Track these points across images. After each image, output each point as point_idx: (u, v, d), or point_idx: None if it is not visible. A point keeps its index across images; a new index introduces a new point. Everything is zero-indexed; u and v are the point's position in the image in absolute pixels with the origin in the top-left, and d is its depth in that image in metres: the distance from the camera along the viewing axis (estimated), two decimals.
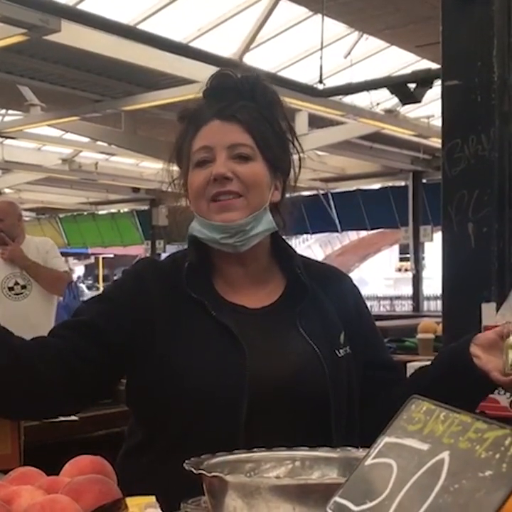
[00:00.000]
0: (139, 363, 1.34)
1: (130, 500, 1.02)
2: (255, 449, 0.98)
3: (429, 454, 0.57)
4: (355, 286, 1.53)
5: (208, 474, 0.83)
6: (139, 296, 1.36)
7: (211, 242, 1.37)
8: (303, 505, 0.77)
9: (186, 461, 0.89)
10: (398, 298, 21.60)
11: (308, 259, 1.52)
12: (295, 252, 1.47)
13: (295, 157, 1.44)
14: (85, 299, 1.72)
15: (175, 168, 1.45)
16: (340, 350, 1.38)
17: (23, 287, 4.25)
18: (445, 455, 0.56)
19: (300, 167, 1.45)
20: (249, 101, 1.39)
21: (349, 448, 0.98)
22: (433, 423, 0.59)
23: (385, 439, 0.62)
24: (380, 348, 1.50)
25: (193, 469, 0.85)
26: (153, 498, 1.06)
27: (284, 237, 1.47)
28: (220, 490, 0.82)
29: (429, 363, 1.47)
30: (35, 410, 1.35)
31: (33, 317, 4.14)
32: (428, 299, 15.09)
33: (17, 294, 4.24)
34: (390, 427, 0.63)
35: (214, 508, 0.85)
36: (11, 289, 4.23)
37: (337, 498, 0.61)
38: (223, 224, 1.34)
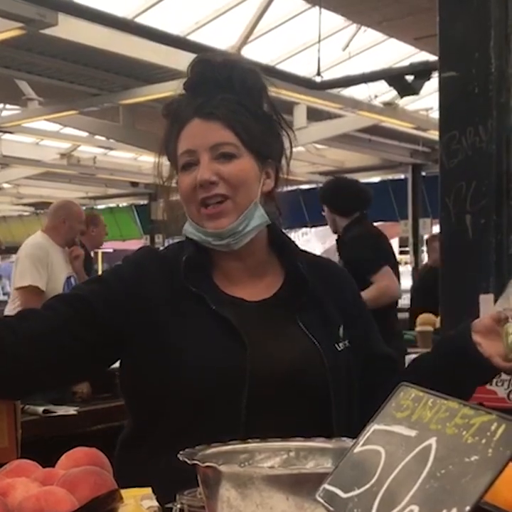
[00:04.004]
0: (135, 351, 1.34)
1: (126, 492, 1.02)
2: (250, 440, 0.98)
3: (416, 441, 0.58)
4: (351, 279, 1.53)
5: (202, 464, 0.83)
6: (137, 285, 1.35)
7: (205, 244, 1.37)
8: (296, 494, 0.77)
9: (180, 452, 0.89)
10: None
11: (306, 252, 1.53)
12: (296, 245, 1.47)
13: (286, 139, 1.43)
14: None
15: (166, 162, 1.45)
16: (340, 344, 1.39)
17: None
18: (432, 441, 0.56)
19: (291, 151, 1.44)
20: (228, 91, 1.37)
21: (344, 438, 0.98)
22: (421, 410, 0.60)
23: (373, 427, 0.62)
24: (377, 340, 1.51)
25: (187, 460, 0.86)
26: (149, 490, 1.06)
27: (283, 229, 1.47)
28: (213, 480, 0.83)
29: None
30: (12, 387, 1.33)
31: None
32: None
33: None
34: (379, 415, 0.63)
35: (208, 499, 0.85)
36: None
37: (326, 486, 0.61)
38: (215, 231, 1.35)
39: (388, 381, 1.40)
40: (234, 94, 1.37)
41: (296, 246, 1.47)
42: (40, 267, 4.15)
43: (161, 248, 1.56)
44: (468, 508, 0.48)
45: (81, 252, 4.38)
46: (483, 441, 0.53)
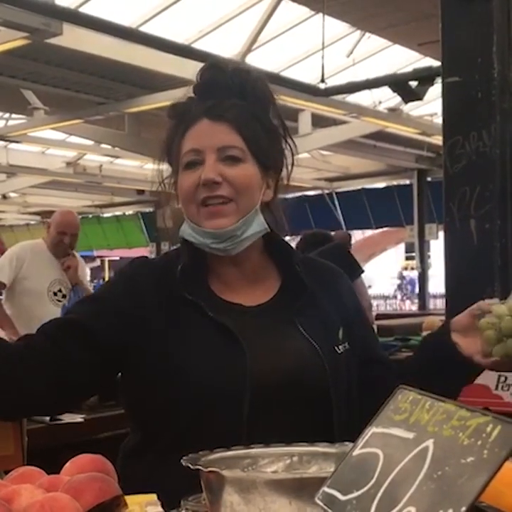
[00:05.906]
0: (135, 364, 1.33)
1: (131, 498, 1.03)
2: (253, 445, 0.99)
3: (414, 443, 0.58)
4: (349, 280, 1.53)
5: (205, 469, 0.83)
6: (131, 298, 1.34)
7: (202, 246, 1.36)
8: (299, 499, 0.78)
9: (184, 458, 0.89)
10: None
11: (305, 256, 1.52)
12: (292, 248, 1.46)
13: (288, 153, 1.43)
14: None
15: (165, 166, 1.44)
16: (340, 346, 1.38)
17: (63, 296, 4.38)
18: (429, 443, 0.57)
19: (293, 164, 1.44)
20: (239, 98, 1.37)
21: (347, 443, 0.98)
22: (418, 412, 0.60)
23: (372, 430, 0.63)
24: (375, 345, 1.51)
25: (190, 465, 0.86)
26: (154, 496, 1.07)
27: (289, 236, 1.46)
28: (217, 485, 0.83)
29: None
30: (21, 412, 1.38)
31: None
32: (434, 297, 15.07)
33: (58, 301, 4.35)
34: (378, 418, 0.64)
35: (211, 504, 0.85)
36: (55, 294, 4.36)
37: (325, 488, 0.62)
38: (213, 231, 1.33)
39: (384, 385, 1.40)
40: (245, 101, 1.37)
41: (293, 249, 1.47)
42: (11, 263, 4.31)
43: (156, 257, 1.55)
44: (464, 508, 0.48)
45: (72, 263, 4.38)
46: (479, 442, 0.54)
